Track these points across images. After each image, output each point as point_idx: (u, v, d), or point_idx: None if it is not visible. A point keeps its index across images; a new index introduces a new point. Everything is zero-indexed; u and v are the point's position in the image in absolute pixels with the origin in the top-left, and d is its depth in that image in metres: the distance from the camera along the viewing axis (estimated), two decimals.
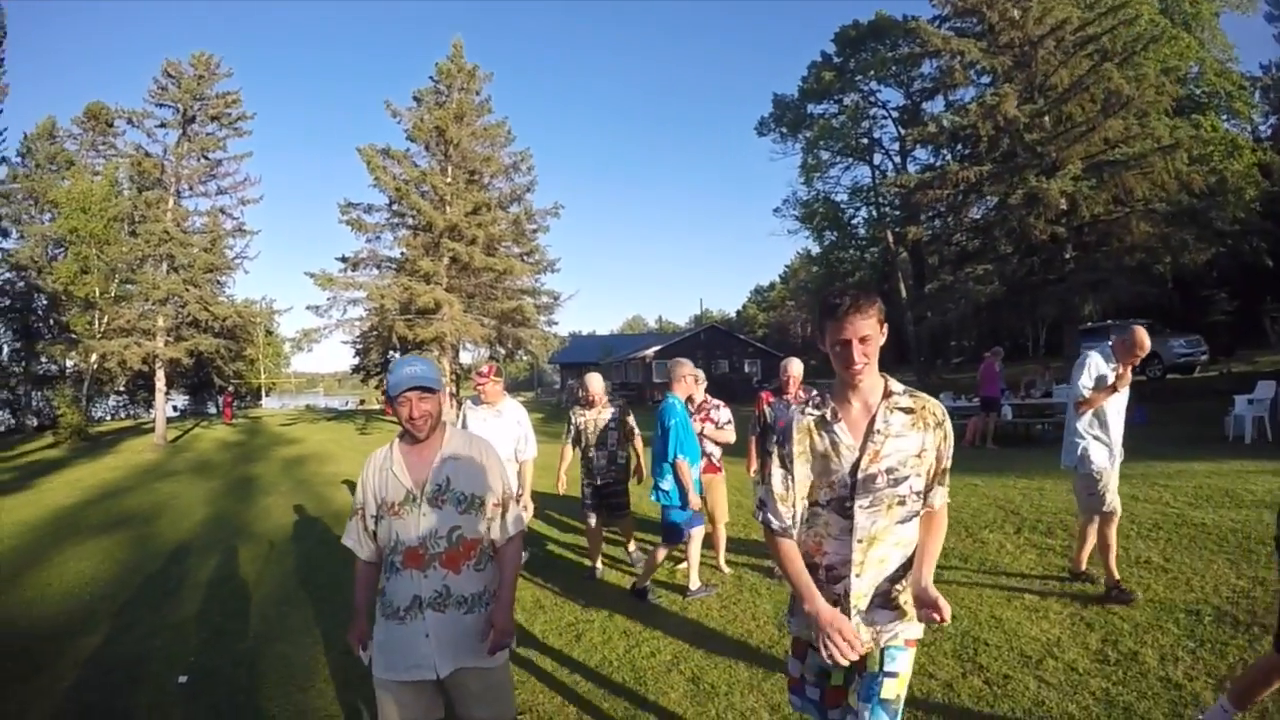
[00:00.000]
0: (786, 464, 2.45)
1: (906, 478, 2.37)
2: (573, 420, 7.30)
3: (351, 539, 2.98)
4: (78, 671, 5.41)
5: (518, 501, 6.05)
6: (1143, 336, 5.28)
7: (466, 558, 2.82)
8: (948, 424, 2.47)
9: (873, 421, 2.36)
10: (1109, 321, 25.60)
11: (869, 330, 2.32)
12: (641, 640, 5.30)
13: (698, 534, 6.29)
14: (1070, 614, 5.18)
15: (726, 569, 6.87)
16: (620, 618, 5.80)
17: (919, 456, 2.39)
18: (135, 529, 10.98)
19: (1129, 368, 5.45)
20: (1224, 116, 33.54)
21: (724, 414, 7.01)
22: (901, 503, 2.38)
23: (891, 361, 48.76)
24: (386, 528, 2.81)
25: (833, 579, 2.44)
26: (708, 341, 51.50)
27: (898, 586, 2.44)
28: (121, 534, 10.59)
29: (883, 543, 2.39)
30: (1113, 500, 5.51)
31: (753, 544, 7.60)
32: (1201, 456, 10.93)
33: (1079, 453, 5.65)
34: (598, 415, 7.18)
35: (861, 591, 2.40)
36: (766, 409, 6.87)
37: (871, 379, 2.40)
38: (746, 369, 50.78)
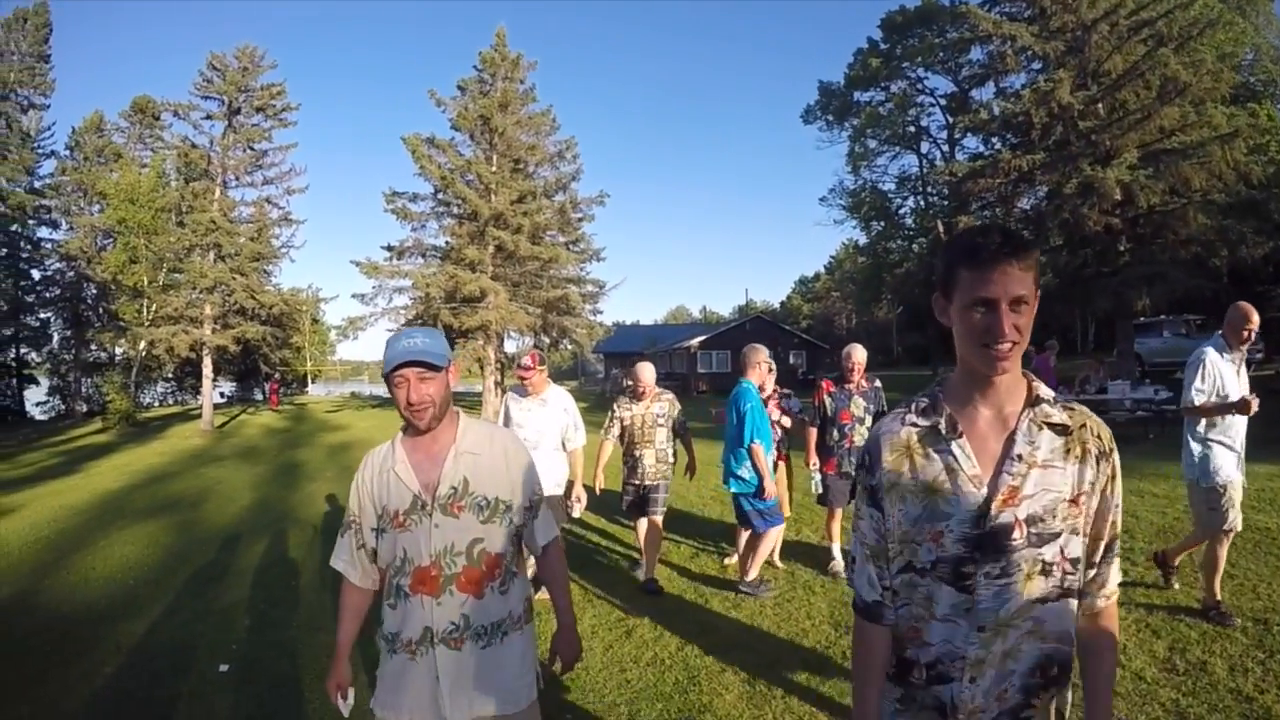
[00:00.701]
0: (877, 501, 1.67)
1: (1057, 534, 1.55)
2: (617, 413, 6.63)
3: (342, 559, 2.42)
4: (119, 657, 5.36)
5: (570, 497, 5.74)
6: (1248, 309, 4.81)
7: (490, 578, 2.27)
8: (1116, 457, 1.65)
9: (1011, 440, 1.56)
10: (1162, 317, 24.98)
11: (1024, 290, 1.48)
12: (694, 638, 5.13)
13: (776, 533, 6.05)
14: (1135, 620, 4.98)
15: (780, 564, 6.66)
16: (671, 614, 5.64)
17: (1074, 502, 1.56)
18: (181, 514, 11.03)
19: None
20: None
21: (795, 403, 7.07)
22: (1046, 572, 1.55)
23: (939, 356, 48.08)
24: (390, 543, 2.27)
25: (935, 679, 1.62)
26: (753, 332, 50.93)
27: (1034, 702, 1.59)
28: (167, 519, 10.64)
29: (1014, 630, 1.55)
30: (1235, 517, 4.88)
31: (805, 543, 7.42)
32: (1263, 459, 10.22)
33: (1201, 463, 4.95)
34: (646, 409, 6.53)
35: (977, 704, 1.58)
36: (826, 399, 6.57)
37: (1014, 375, 1.59)
38: (791, 360, 50.22)
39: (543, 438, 5.70)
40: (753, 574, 6.00)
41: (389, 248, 30.40)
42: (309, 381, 56.81)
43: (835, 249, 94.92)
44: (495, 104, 28.91)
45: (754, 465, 5.82)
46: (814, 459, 6.63)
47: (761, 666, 4.59)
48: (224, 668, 5.05)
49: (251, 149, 30.48)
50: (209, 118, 29.67)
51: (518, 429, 5.64)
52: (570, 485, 6.03)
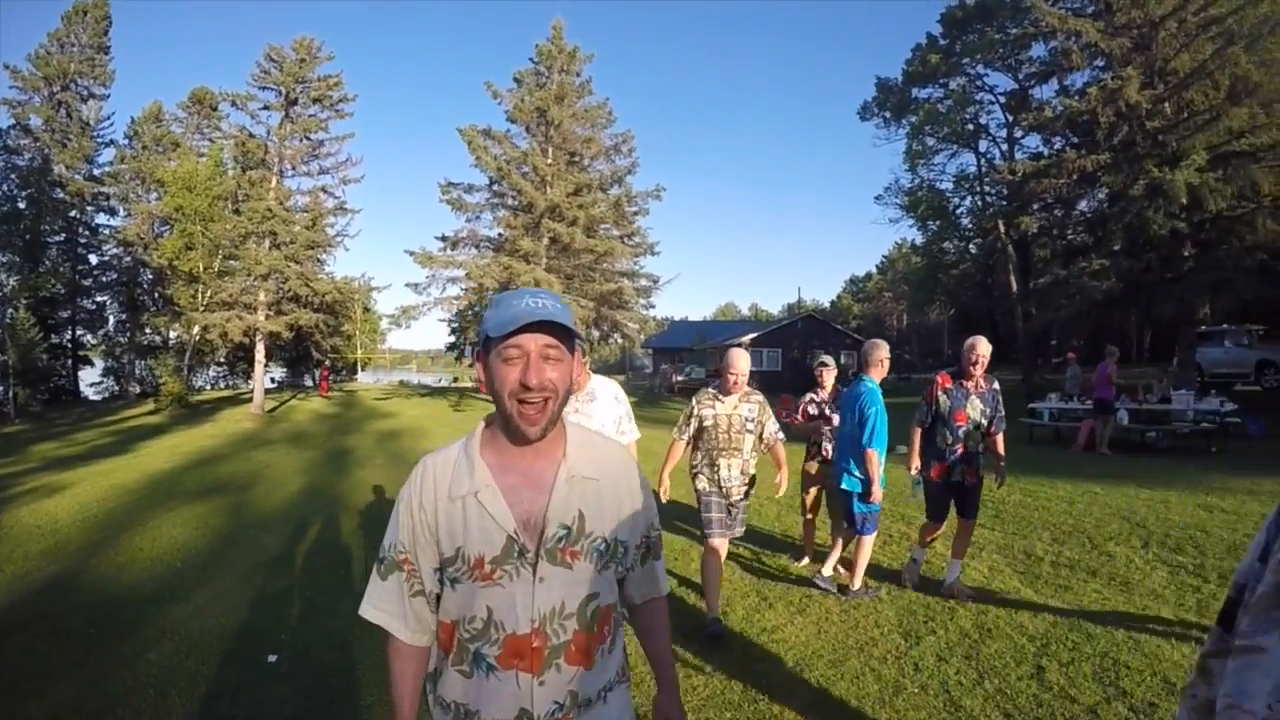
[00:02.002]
0: None
1: None
2: (696, 410, 5.43)
3: (384, 609, 1.72)
4: (164, 642, 5.25)
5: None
6: None
7: (601, 639, 1.69)
8: None
9: None
10: (1224, 326, 24.10)
11: None
12: (760, 643, 4.91)
13: (869, 541, 5.88)
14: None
15: (843, 570, 6.32)
16: (736, 618, 5.41)
17: None
18: (230, 496, 11.00)
19: None
20: None
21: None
22: None
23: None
24: (466, 598, 1.61)
25: None
26: (804, 330, 50.64)
27: None
28: (216, 501, 10.61)
29: None
30: None
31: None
32: None
33: None
34: (734, 409, 5.37)
35: None
36: (941, 395, 5.83)
37: None
38: (842, 359, 49.63)
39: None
40: (857, 582, 5.87)
41: (443, 238, 30.60)
42: (359, 369, 57.22)
43: (888, 248, 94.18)
44: (551, 96, 28.86)
45: (865, 470, 5.67)
46: (917, 461, 6.04)
47: (833, 676, 4.37)
48: (272, 658, 4.91)
49: (308, 139, 30.67)
50: (266, 108, 29.86)
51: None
52: None
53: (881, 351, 5.97)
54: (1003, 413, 5.87)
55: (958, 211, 47.93)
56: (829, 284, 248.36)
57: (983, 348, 5.70)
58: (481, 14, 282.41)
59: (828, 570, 6.06)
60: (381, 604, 1.72)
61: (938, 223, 48.03)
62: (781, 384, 40.40)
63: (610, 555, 1.69)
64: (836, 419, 6.40)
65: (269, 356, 32.97)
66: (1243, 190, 21.50)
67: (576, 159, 30.72)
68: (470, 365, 39.01)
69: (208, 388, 41.39)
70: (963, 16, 40.63)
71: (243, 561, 7.40)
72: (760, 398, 5.53)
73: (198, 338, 29.36)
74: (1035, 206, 28.71)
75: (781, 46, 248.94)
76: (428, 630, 1.73)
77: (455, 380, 53.95)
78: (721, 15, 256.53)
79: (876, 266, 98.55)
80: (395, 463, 14.31)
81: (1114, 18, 22.93)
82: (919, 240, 51.69)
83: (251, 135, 29.56)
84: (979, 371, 5.75)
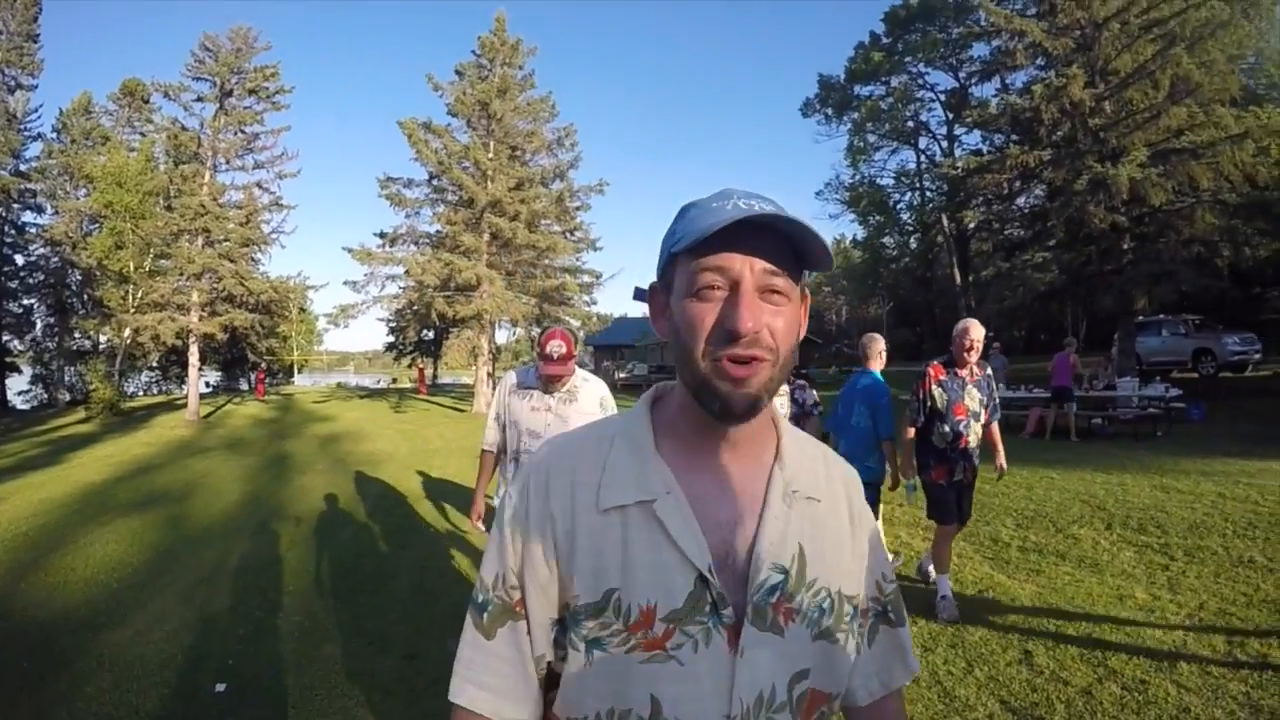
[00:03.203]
0: None
1: None
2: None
3: (496, 686, 1.04)
4: (101, 673, 4.85)
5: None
6: None
7: None
8: None
9: None
10: (1161, 316, 25.03)
11: None
12: None
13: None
14: (1187, 614, 5.05)
15: None
16: None
17: None
18: (167, 508, 10.48)
19: None
20: None
21: (809, 394, 6.41)
22: None
23: (935, 352, 48.16)
24: (612, 677, 0.97)
25: None
26: None
27: None
28: (152, 514, 10.09)
29: None
30: None
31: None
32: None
33: None
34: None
35: None
36: (935, 389, 5.39)
37: None
38: None
39: None
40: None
41: (382, 234, 29.91)
42: (295, 371, 56.14)
43: (827, 244, 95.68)
44: (494, 89, 28.40)
45: (888, 458, 5.84)
46: (912, 464, 5.63)
47: None
48: (220, 687, 4.56)
49: (243, 132, 29.67)
50: (200, 100, 28.84)
51: (531, 440, 4.09)
52: None
53: (880, 344, 6.15)
54: (998, 400, 5.68)
55: (898, 207, 48.76)
56: None
57: (976, 332, 5.30)
58: (423, 4, 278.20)
59: None
60: (488, 677, 1.04)
61: (879, 218, 48.79)
62: None
63: (833, 612, 1.05)
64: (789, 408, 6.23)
65: (203, 360, 31.95)
66: (1182, 185, 22.12)
67: (518, 153, 30.31)
68: (409, 365, 38.52)
69: (141, 394, 40.15)
70: (906, 16, 41.58)
71: (182, 579, 6.98)
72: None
73: (129, 341, 28.35)
74: (977, 201, 29.40)
75: (724, 42, 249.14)
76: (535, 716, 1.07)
77: (394, 381, 53.20)
78: (665, 10, 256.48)
79: None
80: (337, 468, 13.86)
81: (1057, 19, 23.47)
82: (860, 235, 52.60)
83: (184, 128, 28.52)
84: (974, 358, 5.37)
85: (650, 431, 1.06)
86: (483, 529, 4.43)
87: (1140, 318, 24.47)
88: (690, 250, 0.96)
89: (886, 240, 51.20)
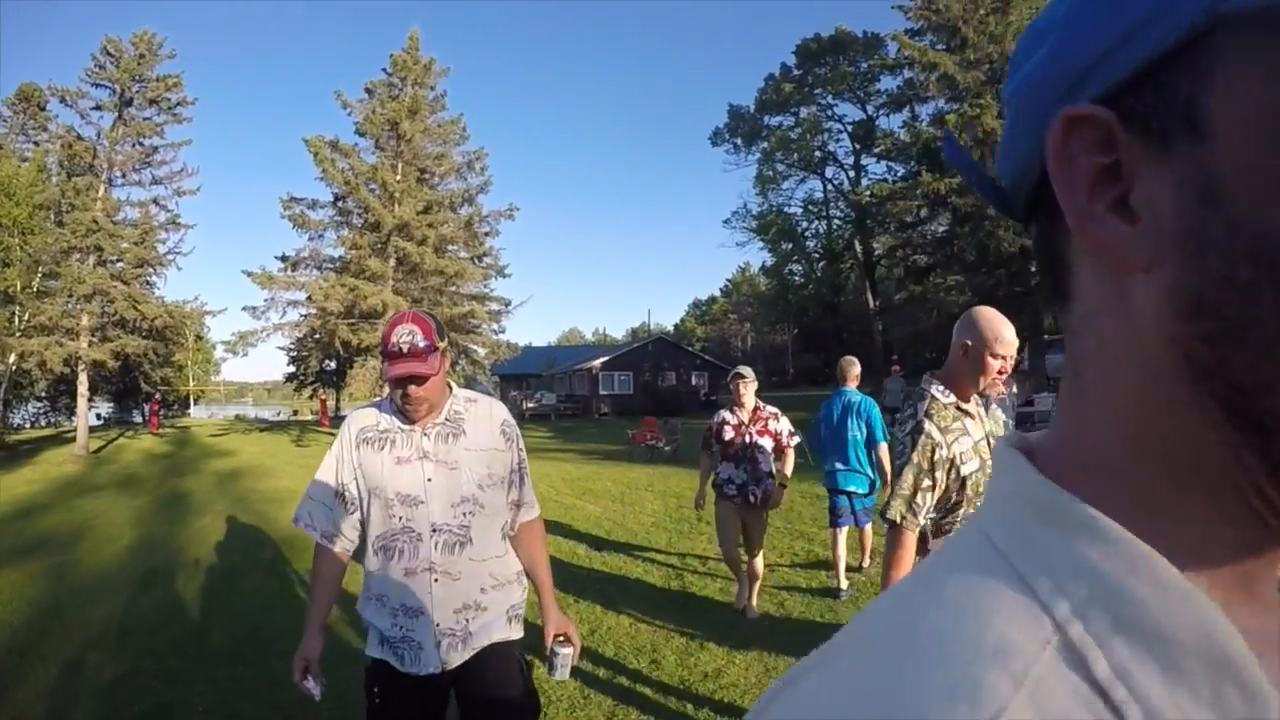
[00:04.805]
0: None
1: None
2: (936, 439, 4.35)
3: None
4: None
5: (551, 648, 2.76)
6: None
7: None
8: None
9: None
10: (1061, 335, 26.33)
11: None
12: (701, 691, 4.41)
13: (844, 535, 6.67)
14: None
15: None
16: (668, 664, 4.84)
17: None
18: (52, 557, 9.69)
19: None
20: None
21: (784, 424, 6.11)
22: None
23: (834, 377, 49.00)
24: None
25: None
26: (655, 353, 50.84)
27: None
28: (36, 563, 9.29)
29: None
30: None
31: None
32: None
33: None
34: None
35: None
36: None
37: None
38: (694, 381, 50.29)
39: (469, 512, 2.60)
40: (866, 558, 7.10)
41: (284, 257, 29.08)
42: (192, 403, 54.13)
43: (731, 272, 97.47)
44: (404, 109, 27.98)
45: (880, 466, 6.51)
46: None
47: None
48: None
49: (141, 144, 28.40)
50: (98, 108, 27.54)
51: (408, 510, 2.54)
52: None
53: (857, 367, 6.82)
54: (1013, 419, 5.54)
55: (805, 235, 49.63)
56: (673, 308, 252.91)
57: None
58: (333, 19, 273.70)
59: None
60: None
61: (787, 245, 49.54)
62: (635, 407, 40.50)
63: None
64: (768, 442, 5.99)
65: (94, 390, 30.31)
66: None
67: (427, 176, 29.91)
68: (311, 397, 37.32)
69: (27, 425, 38.06)
70: (816, 49, 42.66)
71: (69, 643, 6.33)
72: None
73: (14, 368, 26.75)
74: (889, 226, 30.33)
75: (639, 71, 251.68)
76: None
77: (295, 413, 51.71)
78: (580, 37, 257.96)
79: (720, 290, 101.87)
80: (238, 506, 13.09)
81: (967, 53, 24.32)
82: (769, 262, 53.29)
83: (80, 137, 27.27)
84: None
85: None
86: (311, 690, 2.65)
87: (1046, 336, 25.46)
88: None
89: (794, 267, 52.02)
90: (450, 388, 2.68)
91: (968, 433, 2.86)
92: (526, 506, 2.81)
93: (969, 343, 2.83)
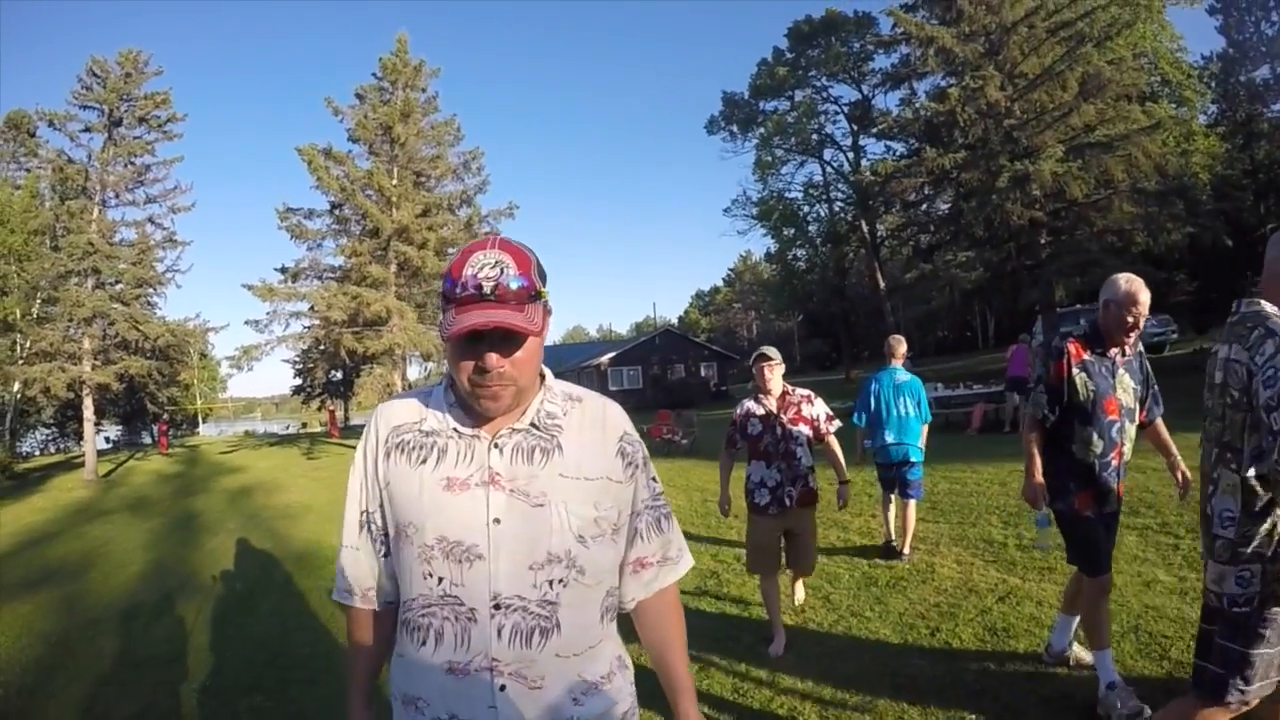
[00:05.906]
0: None
1: None
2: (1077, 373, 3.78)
3: None
4: None
5: None
6: None
7: None
8: None
9: None
10: (1078, 306, 26.06)
11: None
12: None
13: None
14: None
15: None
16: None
17: None
18: (61, 586, 9.44)
19: None
20: (1173, 105, 33.84)
21: (820, 408, 5.27)
22: None
23: (854, 360, 48.82)
24: None
25: None
26: (663, 346, 50.69)
27: None
28: (45, 594, 9.04)
29: None
30: None
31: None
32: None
33: None
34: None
35: None
36: (1077, 374, 3.67)
37: None
38: (703, 372, 50.15)
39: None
40: (909, 545, 6.82)
41: (283, 269, 28.70)
42: (200, 421, 53.93)
43: (733, 261, 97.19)
44: (396, 113, 27.53)
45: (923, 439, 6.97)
46: (1041, 488, 3.81)
47: None
48: None
49: (133, 164, 28.01)
50: (88, 129, 27.14)
51: (459, 570, 1.52)
52: None
53: (904, 345, 7.05)
54: (1156, 386, 4.03)
55: (808, 219, 49.31)
56: (676, 300, 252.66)
57: (1144, 295, 3.55)
58: (319, 26, 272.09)
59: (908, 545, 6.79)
60: None
61: (790, 230, 49.21)
62: (646, 401, 40.11)
63: None
64: (806, 430, 5.12)
65: (101, 413, 30.13)
66: (1098, 178, 22.95)
67: (423, 179, 29.49)
68: (319, 409, 37.04)
69: (37, 452, 37.96)
70: (808, 31, 42.35)
71: (79, 679, 6.02)
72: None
73: (19, 396, 26.53)
74: (894, 207, 30.00)
75: (635, 63, 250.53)
76: None
77: (304, 426, 51.38)
78: (574, 32, 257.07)
79: (723, 279, 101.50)
80: (251, 524, 12.83)
81: (963, 26, 23.91)
82: (772, 249, 52.97)
83: (71, 160, 26.91)
84: (1135, 338, 3.69)
85: None
86: None
87: (1058, 309, 25.27)
88: None
89: (798, 252, 51.74)
90: (542, 375, 1.70)
91: None
92: (669, 565, 1.80)
93: None
